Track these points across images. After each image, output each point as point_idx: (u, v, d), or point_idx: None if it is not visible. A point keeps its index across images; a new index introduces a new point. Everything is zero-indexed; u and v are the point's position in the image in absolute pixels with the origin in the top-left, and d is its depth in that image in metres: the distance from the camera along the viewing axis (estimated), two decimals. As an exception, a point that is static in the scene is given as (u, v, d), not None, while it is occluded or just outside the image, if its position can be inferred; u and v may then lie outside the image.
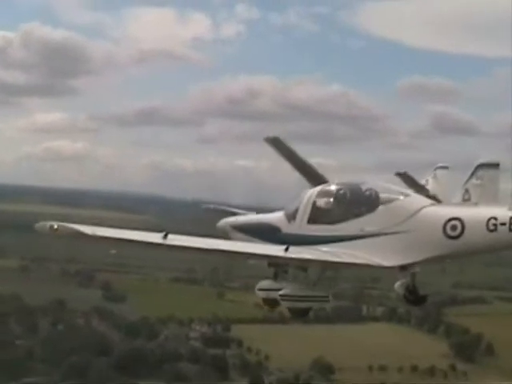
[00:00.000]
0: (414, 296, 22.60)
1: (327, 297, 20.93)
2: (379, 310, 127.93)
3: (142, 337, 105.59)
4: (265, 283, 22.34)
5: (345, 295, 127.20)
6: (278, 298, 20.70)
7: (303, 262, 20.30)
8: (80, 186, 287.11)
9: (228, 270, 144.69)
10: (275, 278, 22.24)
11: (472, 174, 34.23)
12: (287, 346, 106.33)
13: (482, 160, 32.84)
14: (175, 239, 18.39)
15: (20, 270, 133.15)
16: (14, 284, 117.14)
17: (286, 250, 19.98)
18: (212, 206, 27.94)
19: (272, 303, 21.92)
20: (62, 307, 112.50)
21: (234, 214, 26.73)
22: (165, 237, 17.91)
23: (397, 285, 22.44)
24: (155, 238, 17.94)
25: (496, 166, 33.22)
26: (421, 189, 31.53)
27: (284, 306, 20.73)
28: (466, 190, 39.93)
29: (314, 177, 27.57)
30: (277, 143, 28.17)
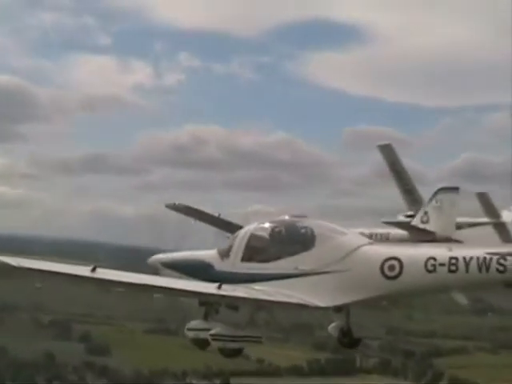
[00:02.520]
0: (348, 339, 23.22)
1: (260, 337, 20.70)
2: (372, 361, 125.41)
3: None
4: (194, 323, 22.01)
5: (330, 345, 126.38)
6: (209, 338, 20.46)
7: (236, 300, 19.99)
8: (22, 232, 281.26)
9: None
10: (206, 317, 21.98)
11: (432, 198, 34.26)
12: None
13: (441, 185, 32.96)
14: (104, 273, 18.38)
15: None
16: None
17: (219, 287, 19.66)
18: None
19: (202, 343, 21.65)
20: (51, 361, 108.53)
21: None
22: (93, 270, 17.86)
23: (331, 327, 23.18)
24: (84, 271, 17.87)
25: (455, 189, 33.29)
26: (422, 232, 31.21)
27: (215, 347, 20.37)
28: (425, 213, 39.93)
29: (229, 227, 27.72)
30: (184, 210, 28.15)
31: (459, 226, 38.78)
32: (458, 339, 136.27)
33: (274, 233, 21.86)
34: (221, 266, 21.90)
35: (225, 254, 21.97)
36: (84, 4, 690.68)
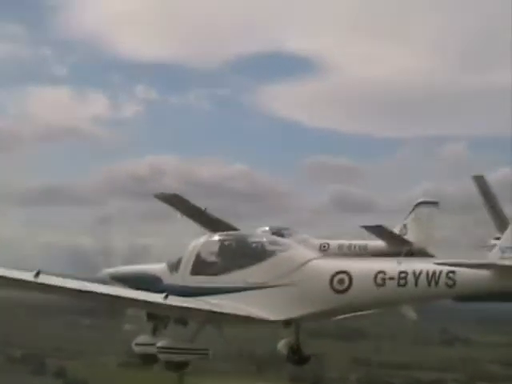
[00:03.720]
0: (297, 355, 23.85)
1: (207, 350, 21.37)
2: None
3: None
4: (142, 338, 22.66)
5: (308, 377, 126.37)
6: (155, 351, 20.85)
7: (183, 311, 20.29)
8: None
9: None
10: (154, 332, 22.81)
11: (412, 211, 35.23)
12: None
13: (421, 198, 33.80)
14: (48, 279, 17.96)
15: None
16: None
17: (166, 297, 19.95)
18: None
19: (149, 359, 22.17)
20: None
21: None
22: (36, 275, 17.34)
23: (280, 344, 24.02)
24: (27, 276, 17.43)
25: (435, 204, 34.17)
26: (398, 240, 31.92)
27: (161, 359, 21.10)
28: (404, 226, 41.12)
29: (213, 223, 28.17)
30: (172, 199, 28.26)
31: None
32: (433, 371, 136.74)
33: (223, 246, 22.08)
34: (170, 279, 21.85)
35: (174, 268, 22.24)
36: (39, 35, 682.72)
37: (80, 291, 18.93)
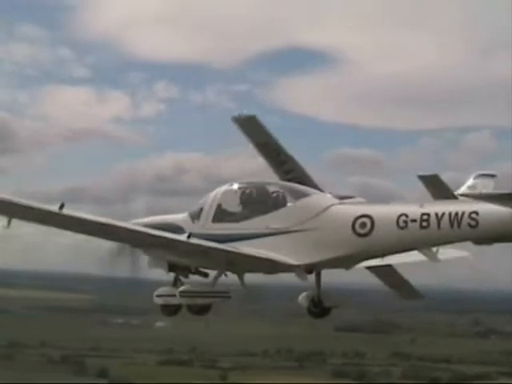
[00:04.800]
0: (318, 308, 22.83)
1: (228, 292, 21.06)
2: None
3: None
4: (163, 289, 22.04)
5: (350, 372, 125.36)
6: (178, 295, 20.76)
7: (204, 251, 19.99)
8: (1, 266, 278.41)
9: (208, 348, 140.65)
10: (175, 283, 21.96)
11: (468, 183, 33.57)
12: None
13: (479, 171, 32.22)
14: (72, 212, 17.88)
15: (2, 357, 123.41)
16: (11, 375, 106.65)
17: (188, 237, 19.73)
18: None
19: (171, 310, 21.94)
20: None
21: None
22: (61, 207, 17.42)
23: (301, 297, 23.11)
24: (52, 208, 17.62)
25: (492, 176, 32.98)
26: (450, 195, 30.37)
27: (183, 304, 20.76)
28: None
29: (286, 171, 27.59)
30: (250, 123, 26.56)
31: None
32: (476, 364, 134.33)
33: (244, 194, 21.76)
34: (191, 227, 21.40)
35: (195, 216, 21.64)
36: (58, 36, 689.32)
37: (103, 224, 18.69)
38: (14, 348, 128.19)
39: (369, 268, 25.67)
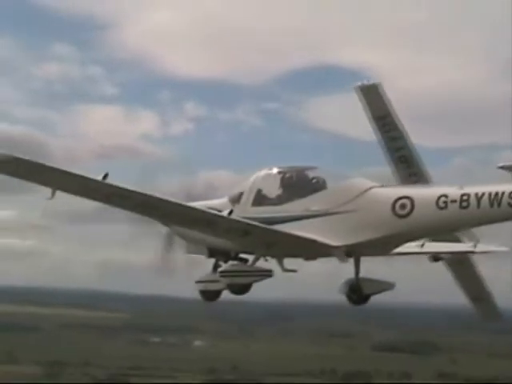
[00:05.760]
0: (357, 295, 22.56)
1: (270, 271, 20.81)
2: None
3: None
4: (203, 275, 22.18)
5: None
6: (217, 286, 21.03)
7: (245, 230, 20.03)
8: (33, 283, 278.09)
9: (251, 368, 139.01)
10: (215, 269, 22.05)
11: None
12: None
13: None
14: (115, 182, 18.01)
15: (46, 376, 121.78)
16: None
17: (230, 213, 19.91)
18: None
19: (210, 295, 21.96)
20: None
21: None
22: (104, 178, 17.59)
23: (341, 285, 22.81)
24: (96, 177, 17.76)
25: None
26: None
27: (224, 283, 20.84)
28: None
29: (397, 148, 27.16)
30: (373, 92, 26.64)
31: None
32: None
33: (284, 177, 21.97)
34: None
35: (235, 200, 21.84)
36: (89, 54, 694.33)
37: (147, 197, 18.60)
38: (56, 367, 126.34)
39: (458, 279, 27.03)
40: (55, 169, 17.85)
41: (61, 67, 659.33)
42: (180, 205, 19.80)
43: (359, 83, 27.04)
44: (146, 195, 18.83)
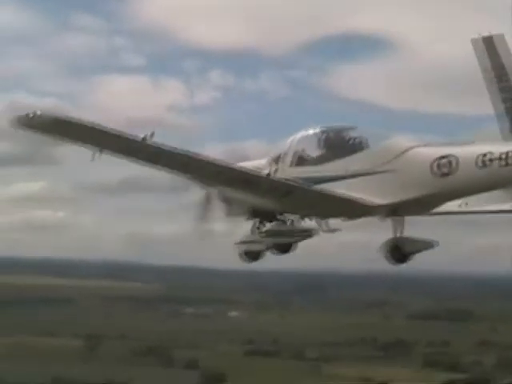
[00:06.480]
0: (398, 253, 22.53)
1: (312, 230, 21.12)
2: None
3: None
4: (244, 236, 22.40)
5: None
6: (262, 236, 21.27)
7: (287, 191, 20.22)
8: (64, 255, 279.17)
9: (291, 339, 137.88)
10: (256, 230, 22.23)
11: None
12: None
13: None
14: (155, 143, 17.80)
15: (86, 349, 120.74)
16: (99, 368, 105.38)
17: (270, 175, 20.19)
18: None
19: (252, 256, 22.16)
20: None
21: None
22: (144, 139, 17.41)
23: (382, 244, 22.72)
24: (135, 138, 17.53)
25: None
26: None
27: (266, 244, 21.08)
28: None
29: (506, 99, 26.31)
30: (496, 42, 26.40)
31: None
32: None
33: (323, 137, 22.16)
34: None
35: (274, 161, 21.94)
36: (114, 25, 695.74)
37: (189, 157, 18.69)
38: (94, 340, 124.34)
39: None
40: (103, 129, 17.68)
41: (86, 39, 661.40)
42: (224, 165, 19.79)
43: (478, 35, 26.42)
44: (191, 156, 18.94)
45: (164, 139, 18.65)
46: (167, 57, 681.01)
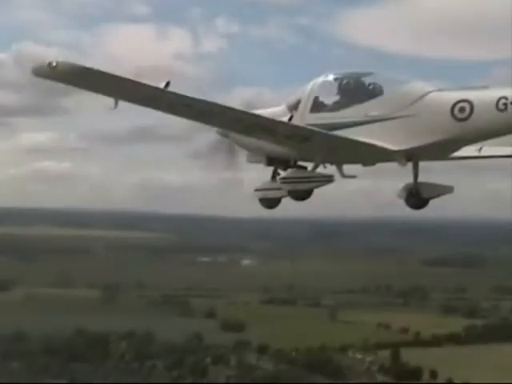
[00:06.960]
0: (416, 198, 21.94)
1: (331, 176, 20.30)
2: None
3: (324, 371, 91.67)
4: (261, 184, 21.88)
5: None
6: (280, 182, 20.81)
7: (305, 137, 19.71)
8: (72, 206, 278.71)
9: (305, 287, 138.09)
10: (273, 177, 21.66)
11: None
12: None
13: None
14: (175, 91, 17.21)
15: (103, 300, 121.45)
16: (119, 319, 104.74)
17: (290, 119, 19.88)
18: None
19: (269, 203, 21.92)
20: (200, 343, 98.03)
21: None
22: (166, 86, 16.90)
23: (399, 189, 21.92)
24: (159, 86, 16.82)
25: None
26: None
27: (284, 190, 20.60)
28: None
29: None
30: None
31: None
32: None
33: (341, 83, 21.24)
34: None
35: (293, 108, 21.07)
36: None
37: (210, 104, 18.05)
38: (111, 290, 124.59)
39: None
40: (124, 79, 17.01)
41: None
42: (242, 111, 19.02)
43: None
44: (209, 103, 18.29)
45: (173, 88, 18.27)
46: (172, 4, 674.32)
